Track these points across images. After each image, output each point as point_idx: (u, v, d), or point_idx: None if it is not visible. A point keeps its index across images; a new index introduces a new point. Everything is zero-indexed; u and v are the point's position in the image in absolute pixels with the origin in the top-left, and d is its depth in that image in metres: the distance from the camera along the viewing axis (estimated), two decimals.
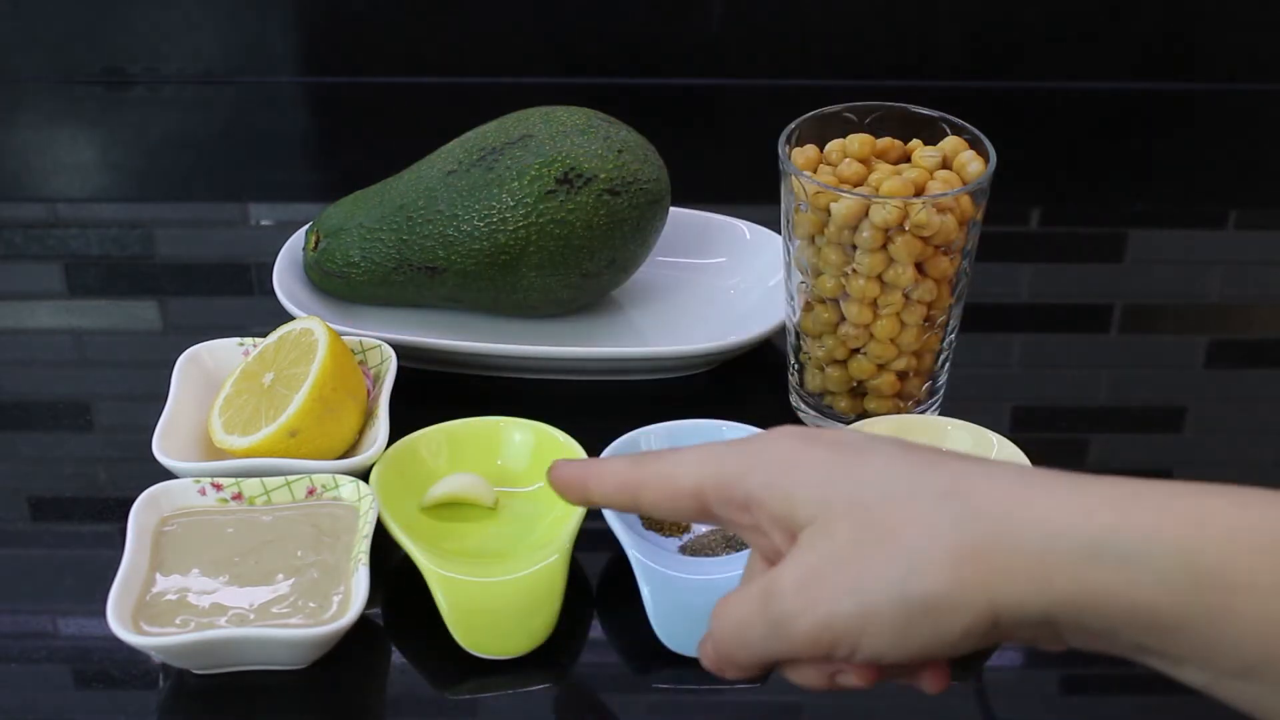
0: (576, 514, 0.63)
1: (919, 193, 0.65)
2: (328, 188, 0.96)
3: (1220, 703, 0.40)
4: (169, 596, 0.60)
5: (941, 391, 0.72)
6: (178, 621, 0.58)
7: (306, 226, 0.80)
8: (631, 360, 0.76)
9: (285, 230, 0.83)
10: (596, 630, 0.63)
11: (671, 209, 0.79)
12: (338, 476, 0.64)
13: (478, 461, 0.68)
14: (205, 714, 0.60)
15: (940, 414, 0.72)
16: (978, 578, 0.40)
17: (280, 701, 0.59)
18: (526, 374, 0.77)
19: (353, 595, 0.59)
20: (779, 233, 0.71)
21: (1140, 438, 0.77)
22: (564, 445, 0.67)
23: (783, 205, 0.68)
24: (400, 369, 0.71)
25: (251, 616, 0.59)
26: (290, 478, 0.64)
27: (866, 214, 0.65)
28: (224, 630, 0.58)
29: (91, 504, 0.71)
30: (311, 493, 0.64)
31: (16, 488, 0.72)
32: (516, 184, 0.74)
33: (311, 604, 0.59)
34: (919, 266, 0.66)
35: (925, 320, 0.68)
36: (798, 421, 0.74)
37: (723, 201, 0.87)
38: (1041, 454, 0.65)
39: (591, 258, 0.75)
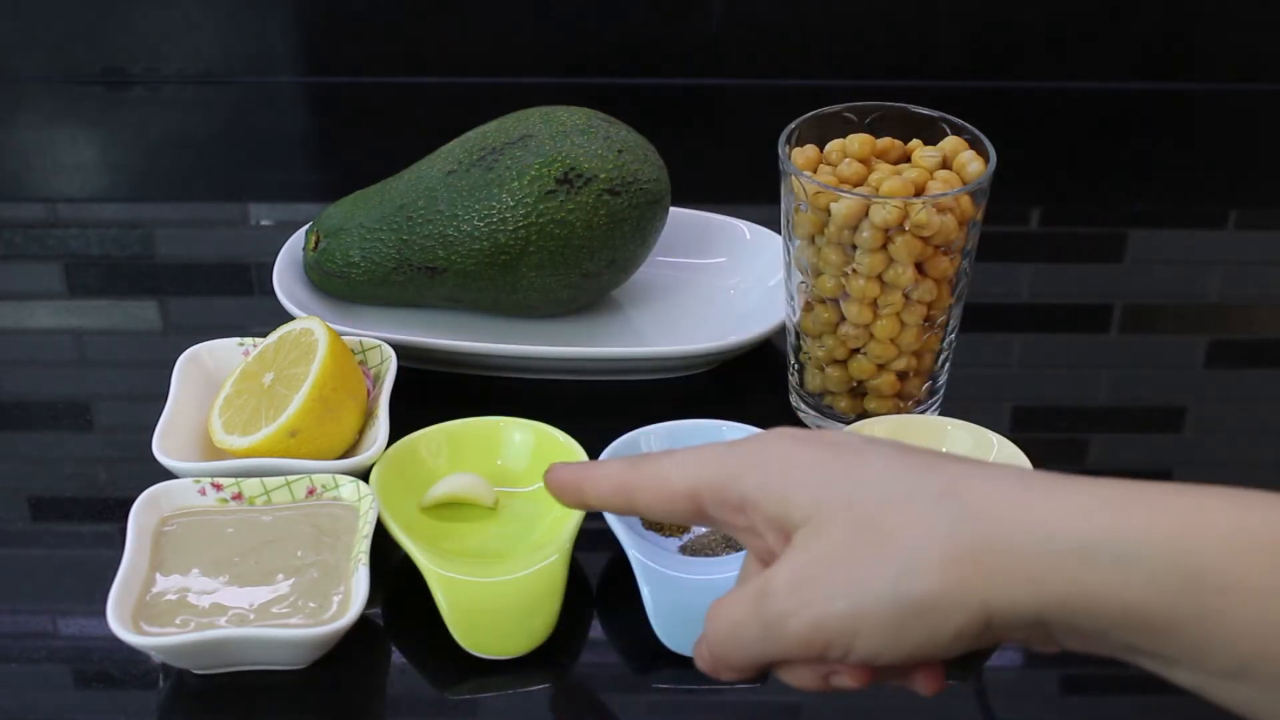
0: (576, 514, 0.63)
1: (919, 193, 0.65)
2: (328, 188, 0.96)
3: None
4: (169, 596, 0.60)
5: (941, 391, 0.72)
6: (178, 621, 0.58)
7: (306, 226, 0.80)
8: (631, 360, 0.76)
9: (285, 230, 0.83)
10: (596, 630, 0.63)
11: (671, 209, 0.79)
12: (338, 476, 0.64)
13: (478, 461, 0.68)
14: (205, 714, 0.60)
15: (940, 414, 0.72)
16: (971, 579, 0.40)
17: (280, 701, 0.59)
18: (526, 374, 0.77)
19: (353, 595, 0.59)
20: (779, 233, 0.71)
21: (1140, 438, 0.77)
22: (564, 445, 0.67)
23: (783, 205, 0.68)
24: (400, 369, 0.71)
25: (251, 616, 0.59)
26: (290, 478, 0.64)
27: (866, 214, 0.65)
28: (224, 630, 0.58)
29: (91, 504, 0.71)
30: (311, 493, 0.64)
31: (16, 488, 0.72)
32: (516, 184, 0.74)
33: (311, 604, 0.59)
34: (919, 266, 0.66)
35: (925, 320, 0.68)
36: (798, 422, 0.74)
37: (723, 201, 0.87)
38: (1041, 454, 0.65)
39: (591, 258, 0.75)
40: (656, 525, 0.66)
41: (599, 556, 0.66)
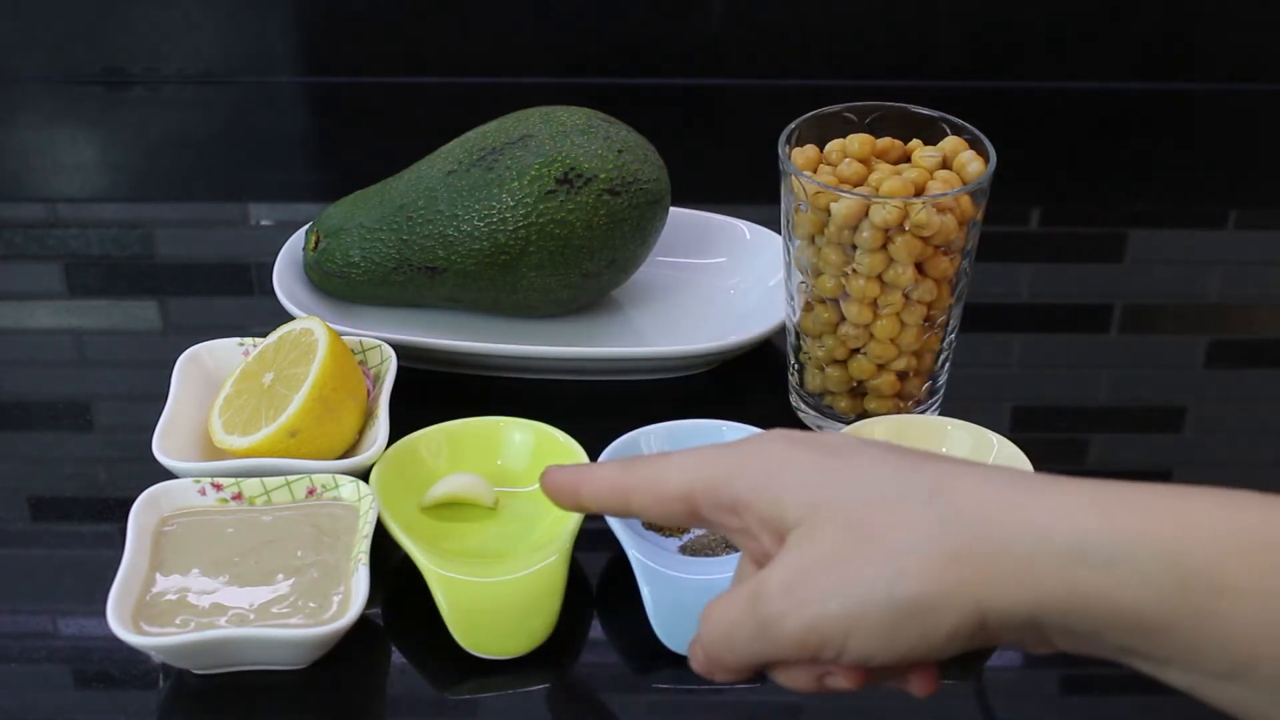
0: (576, 514, 0.63)
1: (919, 193, 0.65)
2: (328, 188, 0.96)
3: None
4: (169, 596, 0.60)
5: (941, 391, 0.72)
6: (178, 621, 0.58)
7: (306, 226, 0.80)
8: (631, 360, 0.76)
9: (285, 230, 0.83)
10: (596, 630, 0.63)
11: (671, 209, 0.79)
12: (338, 476, 0.64)
13: (478, 461, 0.68)
14: (205, 714, 0.60)
15: (940, 414, 0.72)
16: (965, 580, 0.40)
17: (280, 701, 0.59)
18: (526, 374, 0.77)
19: (353, 595, 0.59)
20: (779, 233, 0.71)
21: (1140, 438, 0.77)
22: (564, 445, 0.67)
23: (783, 205, 0.68)
24: (400, 369, 0.71)
25: (251, 616, 0.59)
26: (290, 478, 0.64)
27: (866, 214, 0.65)
28: (224, 630, 0.58)
29: (91, 504, 0.71)
30: (311, 493, 0.64)
31: (16, 488, 0.72)
32: (516, 184, 0.74)
33: (311, 604, 0.59)
34: (919, 266, 0.66)
35: (925, 320, 0.68)
36: (798, 422, 0.74)
37: (723, 201, 0.87)
38: (1041, 454, 0.65)
39: (591, 258, 0.75)
40: (656, 525, 0.66)
41: (599, 556, 0.66)
